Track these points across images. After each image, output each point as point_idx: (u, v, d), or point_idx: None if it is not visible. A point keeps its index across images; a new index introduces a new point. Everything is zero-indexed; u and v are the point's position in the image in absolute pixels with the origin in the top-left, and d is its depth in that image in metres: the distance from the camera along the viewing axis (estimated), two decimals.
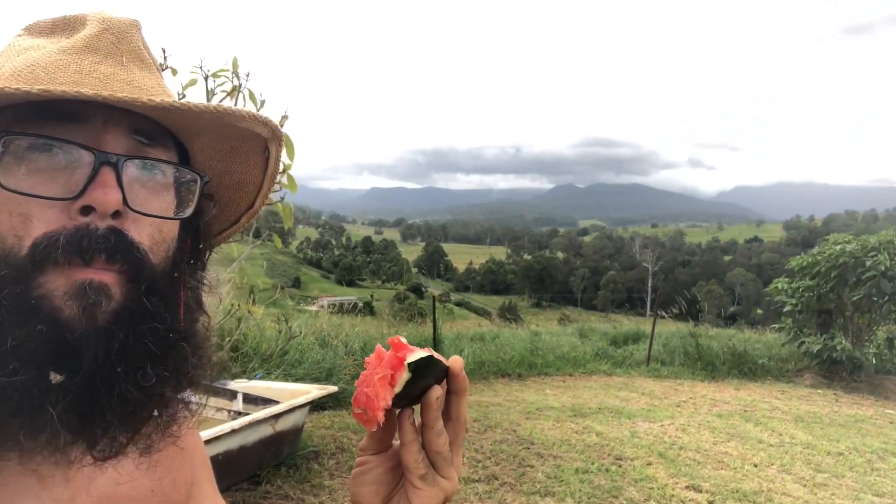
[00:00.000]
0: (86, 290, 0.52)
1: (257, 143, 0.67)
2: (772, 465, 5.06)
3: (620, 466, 4.74)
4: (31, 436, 0.51)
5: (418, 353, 0.59)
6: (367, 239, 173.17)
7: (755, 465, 5.00)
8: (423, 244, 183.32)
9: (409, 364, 0.58)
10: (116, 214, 0.54)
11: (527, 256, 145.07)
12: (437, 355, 0.61)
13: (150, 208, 0.58)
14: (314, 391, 4.44)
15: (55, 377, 0.50)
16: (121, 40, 0.61)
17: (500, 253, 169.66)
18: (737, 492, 4.35)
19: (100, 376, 0.52)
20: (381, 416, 0.58)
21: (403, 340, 0.60)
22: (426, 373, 0.59)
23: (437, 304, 8.52)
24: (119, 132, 0.57)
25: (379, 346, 0.61)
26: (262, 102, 3.62)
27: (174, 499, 0.69)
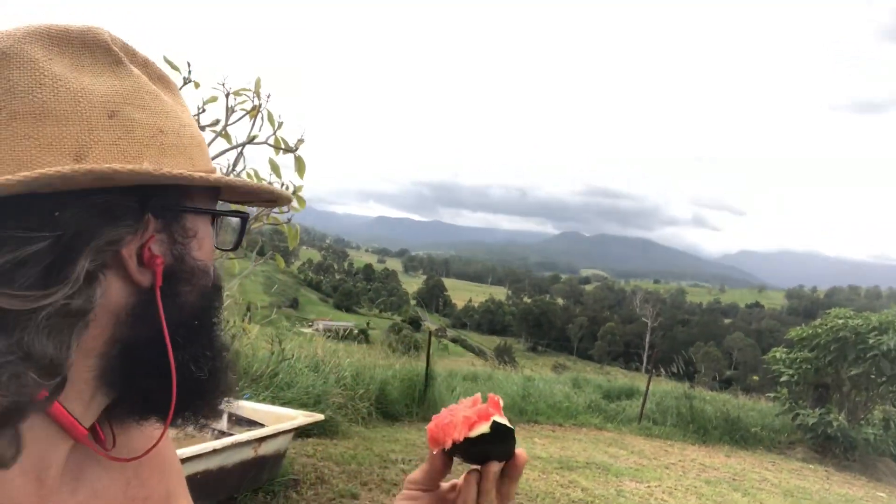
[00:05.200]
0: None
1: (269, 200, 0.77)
2: None
3: None
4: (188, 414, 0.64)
5: (505, 421, 0.65)
6: (369, 266, 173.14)
7: None
8: (425, 277, 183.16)
9: (493, 421, 0.64)
10: None
11: (527, 299, 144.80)
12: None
13: None
14: (300, 417, 4.38)
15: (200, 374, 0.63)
16: None
17: (501, 293, 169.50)
18: None
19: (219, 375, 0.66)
20: (448, 443, 0.65)
21: (500, 402, 0.67)
22: (501, 440, 0.65)
23: (433, 338, 8.46)
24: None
25: (478, 395, 0.68)
26: (280, 124, 3.65)
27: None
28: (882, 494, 7.26)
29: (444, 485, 0.71)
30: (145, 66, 0.62)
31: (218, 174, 0.61)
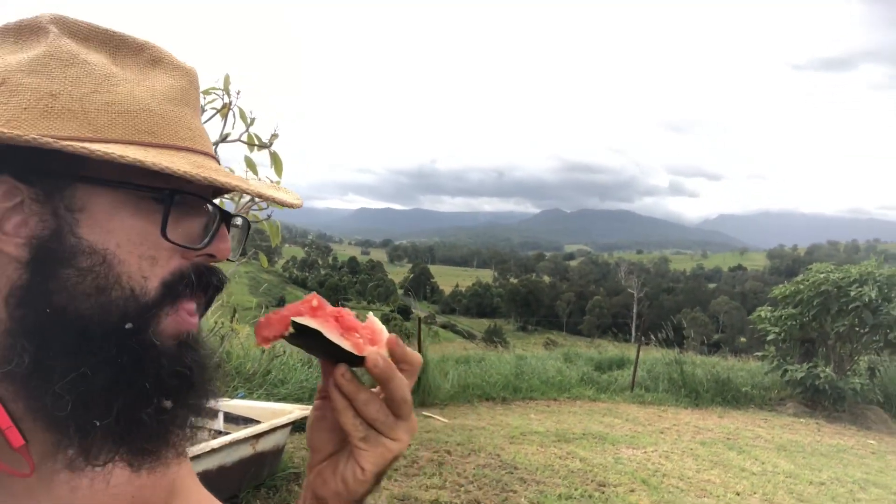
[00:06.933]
0: (188, 339, 0.60)
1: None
2: (754, 493, 5.05)
3: (603, 493, 4.72)
4: (155, 450, 0.59)
5: (311, 322, 0.60)
6: (354, 259, 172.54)
7: (738, 494, 4.99)
8: (410, 265, 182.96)
9: (293, 321, 0.60)
10: None
11: (513, 280, 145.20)
12: (342, 339, 0.61)
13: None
14: (296, 411, 4.39)
15: (167, 403, 0.58)
16: (198, 94, 0.67)
17: (487, 276, 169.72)
18: None
19: (192, 399, 0.61)
20: (260, 341, 0.62)
21: (316, 303, 0.63)
22: (312, 341, 0.61)
23: (423, 325, 8.49)
24: (209, 190, 0.64)
25: (314, 293, 0.65)
26: (252, 120, 3.61)
27: (153, 503, 0.70)
28: (872, 441, 7.43)
29: None
30: (83, 35, 0.61)
31: (124, 153, 0.53)
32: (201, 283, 0.61)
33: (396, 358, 0.63)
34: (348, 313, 0.65)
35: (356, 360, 0.62)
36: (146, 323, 0.56)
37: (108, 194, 0.56)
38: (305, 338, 0.61)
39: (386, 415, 0.62)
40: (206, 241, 0.61)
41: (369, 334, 0.65)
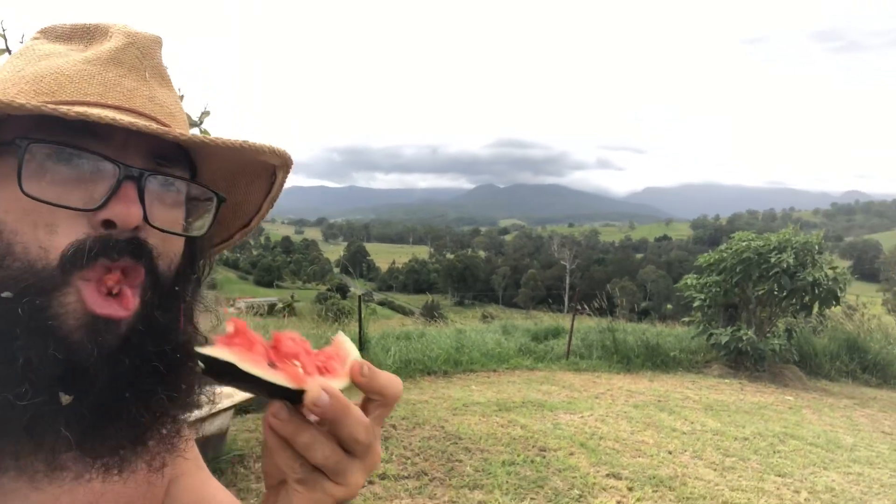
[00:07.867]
0: (97, 324, 0.53)
1: (266, 168, 0.69)
2: (685, 451, 5.32)
3: (544, 457, 4.88)
4: (40, 453, 0.53)
5: (223, 353, 0.49)
6: (287, 238, 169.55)
7: (670, 452, 5.25)
8: (346, 244, 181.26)
9: (199, 354, 0.49)
10: (135, 228, 0.55)
11: (449, 255, 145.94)
12: (268, 371, 0.49)
13: (166, 224, 0.59)
14: (237, 395, 4.34)
15: (64, 398, 0.52)
16: (145, 55, 0.63)
17: (423, 252, 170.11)
18: (654, 478, 4.56)
19: (109, 399, 0.54)
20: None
21: (237, 328, 0.51)
22: (234, 378, 0.49)
23: (361, 303, 8.46)
24: (139, 153, 0.58)
25: (233, 321, 0.52)
26: (181, 97, 3.50)
27: (150, 498, 0.70)
28: (789, 398, 7.93)
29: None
30: (65, 35, 0.64)
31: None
32: (106, 252, 0.53)
33: (363, 388, 0.52)
34: (291, 338, 0.54)
35: (296, 395, 0.49)
36: (43, 297, 0.51)
37: (4, 161, 0.54)
38: (224, 374, 0.49)
39: (337, 459, 0.51)
40: (101, 201, 0.54)
41: (324, 360, 0.54)
